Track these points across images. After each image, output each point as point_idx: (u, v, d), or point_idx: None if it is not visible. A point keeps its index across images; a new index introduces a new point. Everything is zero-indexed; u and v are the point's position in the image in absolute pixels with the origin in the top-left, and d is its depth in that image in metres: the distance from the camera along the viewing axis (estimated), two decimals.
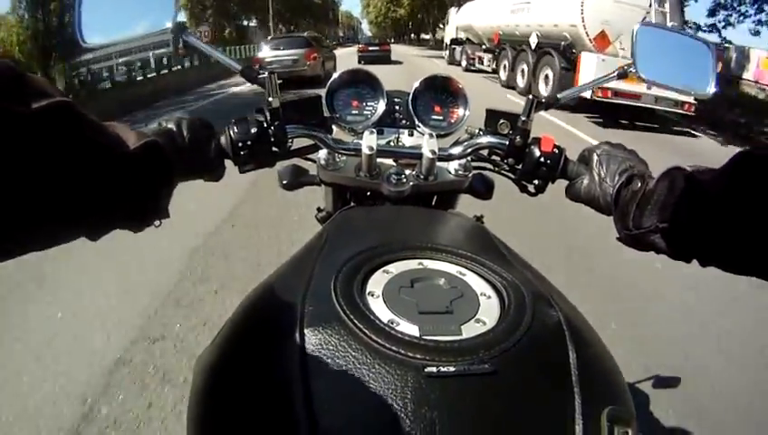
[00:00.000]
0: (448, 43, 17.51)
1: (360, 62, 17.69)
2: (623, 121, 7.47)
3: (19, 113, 0.27)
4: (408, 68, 15.18)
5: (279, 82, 0.63)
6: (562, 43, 8.06)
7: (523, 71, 9.74)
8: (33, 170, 0.29)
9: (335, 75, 0.79)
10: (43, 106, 0.28)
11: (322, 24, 46.28)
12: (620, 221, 0.54)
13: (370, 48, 19.73)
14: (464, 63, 14.98)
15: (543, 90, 8.40)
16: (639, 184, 0.53)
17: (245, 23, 36.11)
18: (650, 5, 7.19)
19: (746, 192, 0.39)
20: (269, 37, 14.57)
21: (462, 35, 15.33)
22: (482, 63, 13.11)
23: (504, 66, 10.92)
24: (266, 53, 11.07)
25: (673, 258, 0.49)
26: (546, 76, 8.46)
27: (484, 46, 13.05)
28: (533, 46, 9.05)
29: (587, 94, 6.39)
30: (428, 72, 0.80)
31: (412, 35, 61.50)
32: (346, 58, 16.48)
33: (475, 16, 13.15)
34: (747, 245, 0.40)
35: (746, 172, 0.39)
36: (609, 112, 7.30)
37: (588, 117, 7.42)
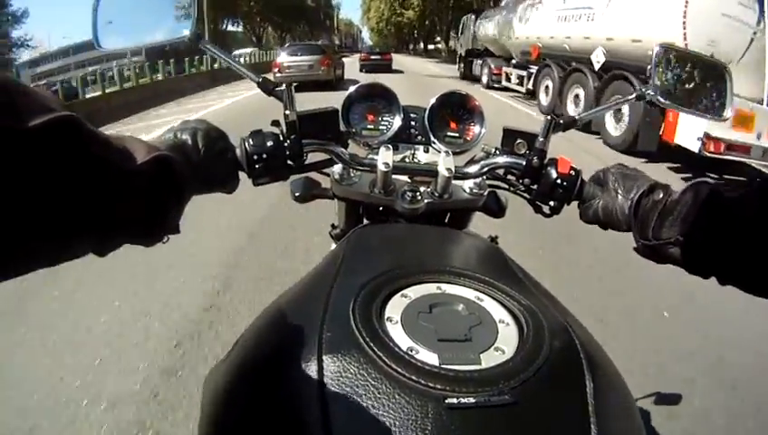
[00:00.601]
0: (463, 54, 14.87)
1: (361, 71, 18.00)
2: (712, 175, 4.99)
3: (19, 130, 0.26)
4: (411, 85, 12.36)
5: (295, 84, 0.63)
6: (648, 67, 3.87)
7: (577, 97, 7.08)
8: (37, 188, 0.28)
9: (351, 89, 0.78)
10: (44, 121, 0.27)
11: (318, 31, 43.13)
12: (639, 231, 0.53)
13: (372, 57, 19.79)
14: (484, 80, 12.15)
15: (613, 129, 5.96)
16: (662, 194, 0.52)
17: (226, 26, 33.82)
18: (758, 23, 4.99)
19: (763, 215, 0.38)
20: (287, 45, 16.65)
21: (480, 46, 12.80)
22: (509, 81, 10.64)
23: (547, 88, 8.26)
24: (284, 58, 12.52)
25: (691, 273, 0.48)
26: (620, 112, 5.80)
27: (514, 60, 10.39)
28: (597, 66, 6.58)
29: (695, 148, 4.68)
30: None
31: (419, 44, 55.63)
32: (347, 67, 16.28)
33: (501, 24, 10.45)
34: None
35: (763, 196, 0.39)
36: (694, 163, 4.97)
37: (670, 167, 5.24)
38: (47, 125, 0.27)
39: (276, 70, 12.02)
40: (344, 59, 17.95)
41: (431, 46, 52.76)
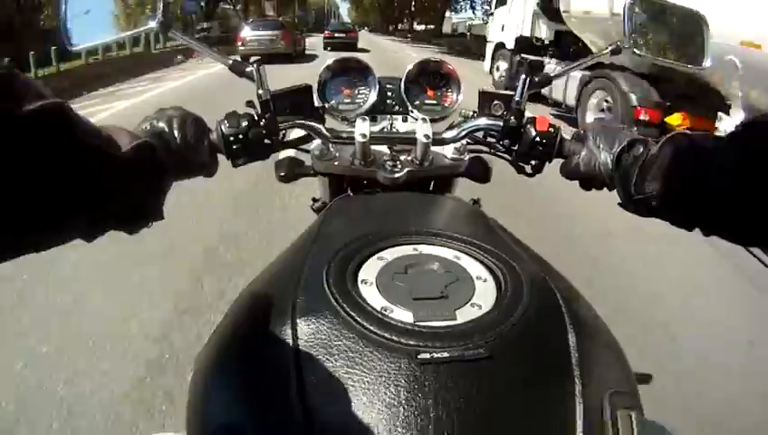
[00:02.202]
0: (500, 44, 8.17)
1: (326, 49, 17.53)
2: None
3: (10, 115, 0.27)
4: None
5: (258, 58, 0.63)
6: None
7: None
8: (25, 172, 0.29)
9: (325, 64, 0.78)
10: (35, 108, 0.28)
11: (283, 8, 36.94)
12: (622, 187, 0.53)
13: (336, 35, 19.24)
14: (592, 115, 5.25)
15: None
16: (641, 149, 0.52)
17: None
18: None
19: (754, 162, 0.38)
20: (250, 20, 17.26)
21: (544, 32, 7.03)
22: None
23: None
24: (248, 32, 13.38)
25: (675, 225, 0.48)
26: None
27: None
28: None
29: None
30: None
31: (403, 23, 46.14)
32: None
33: None
34: (753, 215, 0.39)
35: (755, 141, 0.38)
36: None
37: None
38: (39, 111, 0.28)
39: (240, 43, 12.65)
40: (312, 39, 18.11)
41: (418, 26, 45.52)
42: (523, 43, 7.23)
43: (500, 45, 8.19)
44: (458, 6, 38.50)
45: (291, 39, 13.31)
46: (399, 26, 46.93)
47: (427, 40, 29.62)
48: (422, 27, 44.79)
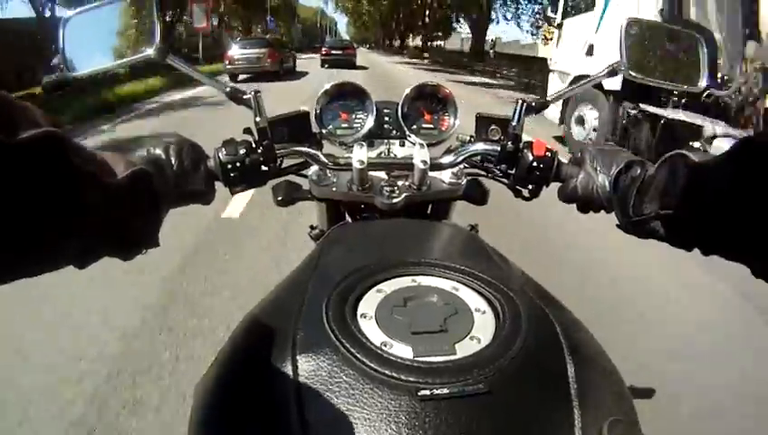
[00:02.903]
0: (578, 77, 4.78)
1: (323, 66, 17.43)
2: None
3: (6, 143, 0.27)
4: None
5: (246, 76, 0.63)
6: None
7: None
8: (19, 199, 0.29)
9: (322, 89, 0.79)
10: (31, 136, 0.28)
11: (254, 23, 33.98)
12: (620, 209, 0.53)
13: (333, 52, 18.78)
14: None
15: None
16: (639, 170, 0.52)
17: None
18: None
19: (750, 180, 0.38)
20: (237, 39, 17.17)
21: None
22: None
23: None
24: (235, 51, 13.30)
25: (674, 246, 0.48)
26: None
27: None
28: None
29: None
30: None
31: (408, 38, 41.13)
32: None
33: None
34: (752, 235, 0.39)
35: (750, 160, 0.38)
36: None
37: None
38: (33, 139, 0.28)
39: (227, 62, 12.78)
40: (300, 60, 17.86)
41: (413, 42, 40.75)
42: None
43: (578, 78, 4.78)
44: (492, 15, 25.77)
45: (277, 57, 13.69)
46: (405, 42, 41.35)
47: (459, 64, 21.46)
48: (418, 43, 39.22)
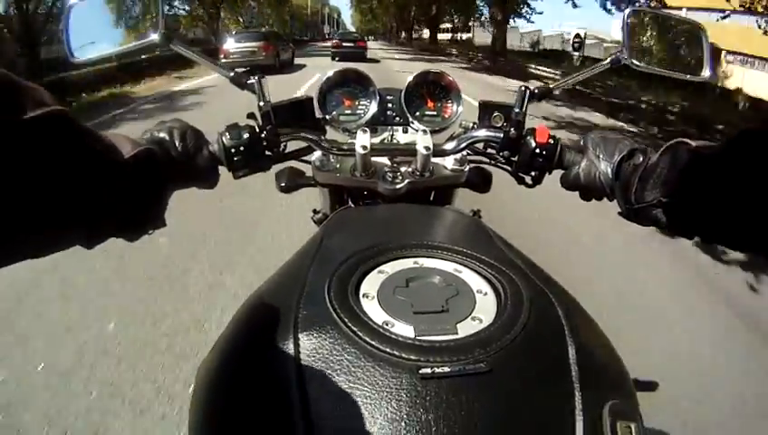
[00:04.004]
0: None
1: (333, 59, 16.51)
2: None
3: (14, 122, 0.27)
4: None
5: (243, 69, 0.64)
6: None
7: None
8: (28, 179, 0.29)
9: (326, 76, 0.79)
10: (38, 115, 0.29)
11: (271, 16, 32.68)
12: (622, 195, 0.53)
13: (345, 44, 17.72)
14: None
15: None
16: (641, 158, 0.52)
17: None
18: None
19: (749, 169, 0.38)
20: (234, 32, 16.55)
21: None
22: None
23: None
24: (231, 45, 13.31)
25: (676, 234, 0.48)
26: None
27: None
28: None
29: None
30: None
31: (419, 28, 35.19)
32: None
33: None
34: (752, 223, 0.39)
35: (750, 149, 0.38)
36: None
37: None
38: (41, 118, 0.29)
39: (223, 56, 12.65)
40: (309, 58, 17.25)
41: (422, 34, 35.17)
42: None
43: None
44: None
45: (271, 50, 13.51)
46: (419, 34, 34.48)
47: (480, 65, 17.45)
48: (425, 34, 34.42)
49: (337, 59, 16.46)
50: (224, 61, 12.26)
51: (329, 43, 21.96)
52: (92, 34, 0.70)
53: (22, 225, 0.30)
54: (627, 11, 0.73)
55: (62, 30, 0.66)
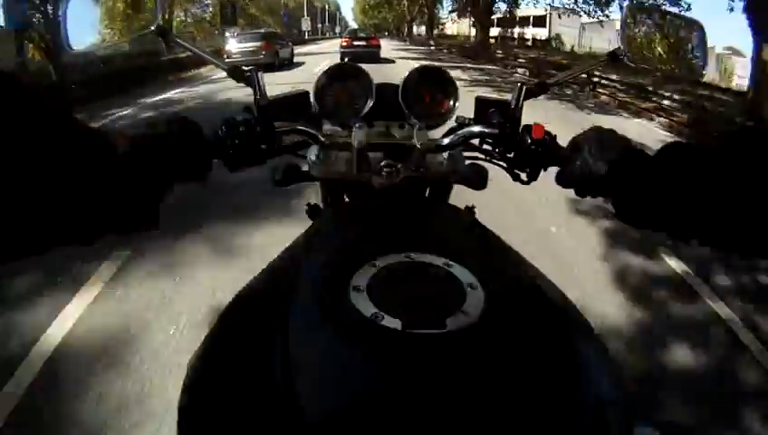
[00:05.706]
0: None
1: (342, 59, 13.98)
2: None
3: (8, 120, 0.28)
4: None
5: (245, 68, 0.64)
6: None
7: None
8: (23, 177, 0.29)
9: (323, 70, 0.79)
10: (33, 112, 0.29)
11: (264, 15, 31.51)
12: (617, 196, 0.53)
13: (356, 42, 15.89)
14: None
15: None
16: (638, 157, 0.51)
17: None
18: None
19: (751, 170, 0.38)
20: (235, 33, 16.94)
21: None
22: None
23: None
24: (232, 45, 13.84)
25: (672, 236, 0.48)
26: None
27: None
28: None
29: None
30: None
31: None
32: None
33: None
34: (751, 226, 0.39)
35: (752, 149, 0.38)
36: None
37: None
38: (36, 114, 0.29)
39: (225, 56, 12.91)
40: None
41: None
42: None
43: None
44: None
45: (271, 49, 13.93)
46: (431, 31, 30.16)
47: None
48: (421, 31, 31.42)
49: (347, 59, 14.02)
50: (227, 61, 12.28)
51: (326, 44, 20.63)
52: (90, 25, 0.70)
53: (17, 223, 0.30)
54: (625, 8, 0.73)
55: (59, 20, 0.66)
